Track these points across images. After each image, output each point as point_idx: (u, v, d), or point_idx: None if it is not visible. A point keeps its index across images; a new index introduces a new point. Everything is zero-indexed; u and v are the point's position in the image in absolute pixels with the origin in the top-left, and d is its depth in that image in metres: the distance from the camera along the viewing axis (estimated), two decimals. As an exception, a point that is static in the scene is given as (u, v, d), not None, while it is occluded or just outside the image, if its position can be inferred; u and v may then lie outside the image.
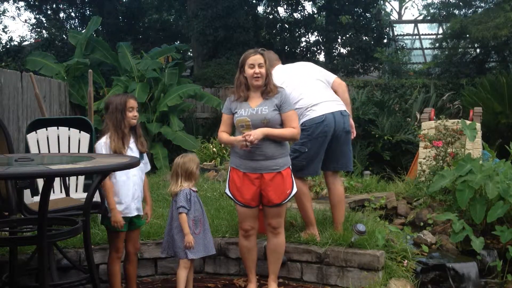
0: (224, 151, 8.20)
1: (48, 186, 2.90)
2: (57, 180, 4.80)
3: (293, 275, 4.24)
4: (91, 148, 4.92)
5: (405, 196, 6.18)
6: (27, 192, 4.39)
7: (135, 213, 3.64)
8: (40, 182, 4.26)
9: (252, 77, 3.74)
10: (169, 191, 3.87)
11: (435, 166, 6.08)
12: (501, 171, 5.02)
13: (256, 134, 3.63)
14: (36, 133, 4.80)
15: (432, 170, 6.06)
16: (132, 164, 3.12)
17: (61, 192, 4.82)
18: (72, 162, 3.16)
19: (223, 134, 3.87)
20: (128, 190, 3.59)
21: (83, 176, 4.85)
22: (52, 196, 3.49)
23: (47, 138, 4.83)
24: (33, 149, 4.72)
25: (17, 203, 3.56)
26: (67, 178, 4.55)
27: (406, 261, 4.15)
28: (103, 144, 3.56)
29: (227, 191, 3.90)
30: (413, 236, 4.85)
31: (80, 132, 4.93)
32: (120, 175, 3.55)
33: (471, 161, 5.14)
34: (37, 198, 4.23)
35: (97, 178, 3.45)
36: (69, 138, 4.91)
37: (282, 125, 3.77)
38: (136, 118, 3.65)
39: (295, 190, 3.88)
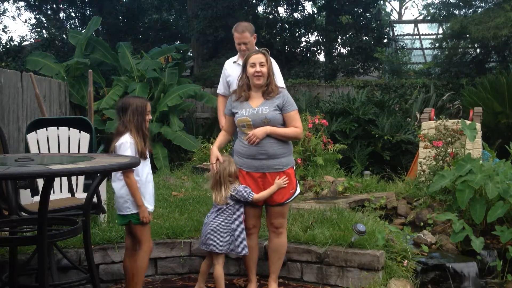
0: (224, 151, 8.19)
1: (48, 186, 2.90)
2: (57, 180, 4.81)
3: (293, 275, 4.24)
4: (91, 148, 4.92)
5: (405, 196, 6.17)
6: (27, 192, 4.39)
7: (152, 207, 3.71)
8: (40, 182, 4.26)
9: (253, 75, 3.75)
10: (220, 200, 3.80)
11: (435, 166, 6.08)
12: (501, 171, 5.02)
13: (258, 133, 3.67)
14: (36, 133, 4.80)
15: (432, 170, 6.06)
16: (132, 164, 3.13)
17: (61, 192, 4.83)
18: (72, 162, 3.17)
19: (219, 139, 3.96)
20: (149, 187, 3.66)
21: (83, 176, 4.85)
22: (53, 196, 3.49)
23: (47, 138, 4.83)
24: (33, 149, 4.72)
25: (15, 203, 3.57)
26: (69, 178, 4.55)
27: (406, 261, 4.15)
28: (129, 145, 3.55)
29: None
30: (413, 236, 4.84)
31: (80, 132, 4.94)
32: (142, 173, 3.59)
33: (471, 161, 5.14)
34: (37, 198, 4.23)
35: (97, 178, 3.46)
36: (69, 138, 4.91)
37: (283, 125, 3.80)
38: (148, 121, 3.73)
39: (298, 190, 3.92)
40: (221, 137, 3.97)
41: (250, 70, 3.77)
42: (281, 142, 3.77)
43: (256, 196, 3.75)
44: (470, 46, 13.14)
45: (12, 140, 6.59)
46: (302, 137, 7.00)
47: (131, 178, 3.50)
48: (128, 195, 3.54)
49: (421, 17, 25.12)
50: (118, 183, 3.58)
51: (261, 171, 3.76)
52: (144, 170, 3.60)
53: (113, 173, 3.60)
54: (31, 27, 17.57)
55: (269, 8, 15.57)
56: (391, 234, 4.35)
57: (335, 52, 15.17)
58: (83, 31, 12.45)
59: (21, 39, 16.08)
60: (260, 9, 16.37)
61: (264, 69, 3.76)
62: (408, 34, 19.37)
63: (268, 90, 3.79)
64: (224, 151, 8.05)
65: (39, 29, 16.46)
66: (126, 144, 3.54)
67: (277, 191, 3.76)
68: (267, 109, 3.75)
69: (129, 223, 3.61)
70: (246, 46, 4.44)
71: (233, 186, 3.79)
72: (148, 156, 3.66)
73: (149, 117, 3.71)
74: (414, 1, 41.27)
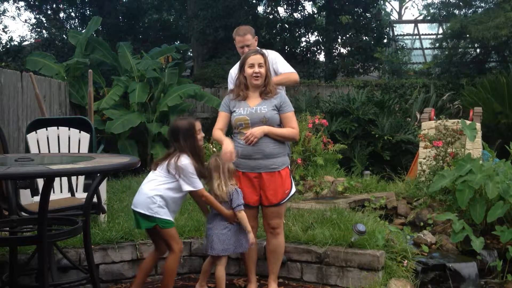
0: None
1: (48, 186, 2.90)
2: (57, 180, 4.81)
3: (293, 275, 4.24)
4: (91, 148, 4.93)
5: (405, 196, 6.17)
6: (27, 192, 4.40)
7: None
8: (40, 182, 4.26)
9: (251, 76, 3.76)
10: (224, 196, 3.74)
11: (435, 166, 6.08)
12: (501, 171, 5.02)
13: (256, 132, 3.66)
14: (36, 133, 4.80)
15: (432, 170, 6.06)
16: (132, 164, 3.13)
17: (61, 192, 4.83)
18: (72, 162, 3.17)
19: (218, 131, 3.85)
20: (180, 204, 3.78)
21: (83, 176, 4.85)
22: (53, 196, 3.49)
23: (47, 138, 4.84)
24: (33, 149, 4.72)
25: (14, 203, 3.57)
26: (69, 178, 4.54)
27: (406, 261, 4.15)
28: (193, 169, 3.58)
29: None
30: (413, 236, 4.85)
31: (80, 132, 4.94)
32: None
33: (471, 161, 5.14)
34: (37, 198, 4.23)
35: (97, 178, 3.45)
36: (69, 138, 4.91)
37: (280, 125, 3.80)
38: (202, 139, 3.75)
39: (293, 190, 3.91)
40: (220, 130, 3.88)
41: (249, 71, 3.77)
42: (277, 142, 3.77)
43: (242, 213, 3.71)
44: (470, 46, 13.14)
45: (12, 140, 6.58)
46: (302, 137, 7.01)
47: (206, 195, 3.66)
48: (161, 201, 3.54)
49: (421, 17, 25.17)
50: (160, 188, 3.58)
51: (256, 171, 3.75)
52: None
53: (152, 177, 3.61)
54: (31, 27, 17.57)
55: (269, 8, 15.57)
56: (391, 234, 4.35)
57: (335, 52, 15.16)
58: (83, 31, 12.45)
59: (21, 39, 16.08)
60: (260, 9, 16.38)
61: (263, 70, 3.77)
62: (408, 34, 19.38)
63: (266, 91, 3.80)
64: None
65: (39, 29, 16.46)
66: (191, 168, 3.57)
67: (272, 191, 3.75)
68: (265, 108, 3.75)
69: (155, 227, 3.58)
70: (249, 49, 4.36)
71: (231, 187, 3.76)
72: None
73: (201, 135, 3.72)
74: (414, 1, 41.30)
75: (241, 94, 3.83)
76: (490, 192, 4.75)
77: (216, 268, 3.81)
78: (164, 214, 3.55)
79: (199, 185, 3.62)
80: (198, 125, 3.72)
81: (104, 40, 11.53)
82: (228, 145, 3.68)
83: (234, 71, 4.54)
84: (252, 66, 3.76)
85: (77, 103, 9.40)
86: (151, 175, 3.66)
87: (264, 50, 4.39)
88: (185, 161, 3.57)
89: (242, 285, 4.18)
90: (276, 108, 3.77)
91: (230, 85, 4.58)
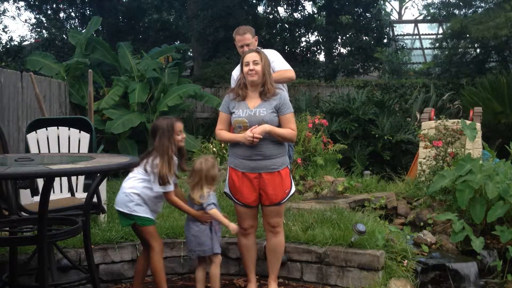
0: (224, 151, 8.19)
1: (48, 186, 2.90)
2: (57, 180, 4.81)
3: (293, 275, 4.24)
4: (91, 148, 4.93)
5: (405, 196, 6.18)
6: (27, 192, 4.39)
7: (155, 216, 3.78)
8: (40, 182, 4.26)
9: (247, 73, 3.76)
10: (197, 199, 3.76)
11: (435, 166, 6.08)
12: (501, 171, 5.03)
13: (258, 132, 3.66)
14: (36, 133, 4.80)
15: (432, 170, 6.06)
16: (132, 164, 3.13)
17: (61, 192, 4.83)
18: (72, 162, 3.17)
19: (223, 132, 3.88)
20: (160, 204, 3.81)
21: (83, 176, 4.85)
22: (53, 196, 3.49)
23: (47, 138, 4.84)
24: (33, 149, 4.72)
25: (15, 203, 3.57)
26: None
27: (406, 261, 4.16)
28: (155, 170, 3.58)
29: (226, 190, 3.92)
30: (413, 236, 4.85)
31: (80, 132, 4.94)
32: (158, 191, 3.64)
33: (471, 161, 5.14)
34: (37, 198, 4.23)
35: (97, 178, 3.45)
36: (69, 138, 4.91)
37: (279, 126, 3.80)
38: (183, 140, 3.72)
39: (293, 189, 3.92)
40: (224, 131, 3.91)
41: (244, 69, 3.79)
42: (276, 143, 3.77)
43: (214, 210, 3.73)
44: (470, 46, 13.14)
45: (12, 140, 6.58)
46: (302, 137, 7.02)
47: (173, 199, 3.66)
48: (139, 199, 3.56)
49: (421, 17, 25.14)
50: (137, 184, 3.59)
51: (256, 172, 3.76)
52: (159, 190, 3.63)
53: (132, 175, 3.63)
54: (31, 27, 17.57)
55: (269, 8, 15.57)
56: (391, 234, 4.35)
57: (335, 52, 15.16)
58: (83, 31, 12.44)
59: (21, 39, 16.05)
60: (260, 9, 16.38)
61: (258, 68, 3.76)
62: (408, 34, 19.41)
63: (265, 91, 3.79)
64: (224, 151, 8.05)
65: (39, 29, 16.45)
66: (154, 169, 3.57)
67: (272, 191, 3.76)
68: (264, 111, 3.75)
69: (134, 225, 3.61)
70: (248, 48, 4.35)
71: (208, 190, 3.77)
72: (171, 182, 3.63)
73: (182, 136, 3.69)
74: (414, 1, 41.29)
75: (240, 93, 3.83)
76: (490, 192, 4.76)
77: (210, 267, 3.82)
78: (143, 212, 3.57)
79: (168, 187, 3.62)
80: (178, 125, 3.68)
81: (104, 40, 11.52)
82: (244, 135, 3.68)
83: (236, 73, 4.53)
84: (247, 64, 3.78)
85: (77, 103, 9.39)
86: (131, 173, 3.67)
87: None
88: (156, 162, 3.57)
89: (242, 285, 4.18)
90: (275, 110, 3.77)
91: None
